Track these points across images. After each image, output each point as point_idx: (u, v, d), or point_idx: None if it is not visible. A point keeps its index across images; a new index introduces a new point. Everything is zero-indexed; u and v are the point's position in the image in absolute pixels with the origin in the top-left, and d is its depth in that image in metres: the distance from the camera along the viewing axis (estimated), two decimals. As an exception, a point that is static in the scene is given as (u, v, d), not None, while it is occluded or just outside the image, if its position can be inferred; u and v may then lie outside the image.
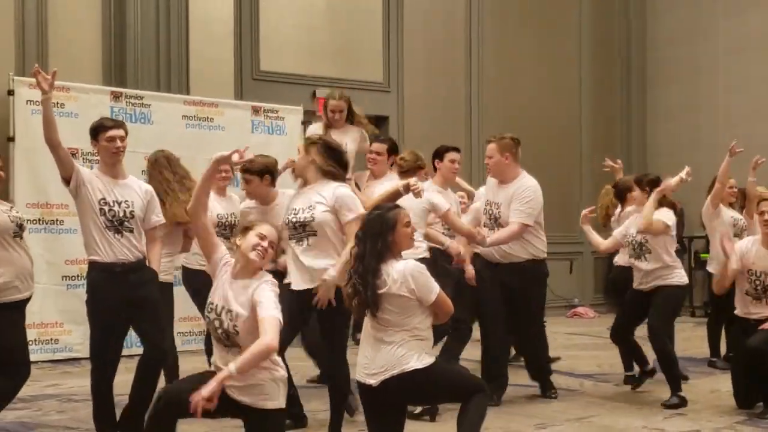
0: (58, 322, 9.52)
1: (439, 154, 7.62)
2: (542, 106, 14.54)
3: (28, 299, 5.74)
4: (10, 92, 9.25)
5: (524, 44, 14.43)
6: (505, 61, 14.26)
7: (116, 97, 9.85)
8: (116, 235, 5.77)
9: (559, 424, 6.63)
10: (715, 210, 8.73)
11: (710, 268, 9.04)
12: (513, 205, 7.08)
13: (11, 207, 5.84)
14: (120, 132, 5.86)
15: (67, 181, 5.78)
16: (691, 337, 10.76)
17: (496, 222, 7.21)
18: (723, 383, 7.87)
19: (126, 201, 5.85)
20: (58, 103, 9.40)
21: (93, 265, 5.84)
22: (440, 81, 13.66)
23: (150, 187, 6.14)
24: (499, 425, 6.49)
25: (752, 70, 14.26)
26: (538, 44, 14.61)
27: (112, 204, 5.80)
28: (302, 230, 5.67)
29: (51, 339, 9.49)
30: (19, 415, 6.89)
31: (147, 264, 5.97)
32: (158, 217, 6.02)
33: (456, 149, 7.68)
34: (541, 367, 7.72)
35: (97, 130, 5.91)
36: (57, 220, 9.45)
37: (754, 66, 14.25)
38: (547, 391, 7.65)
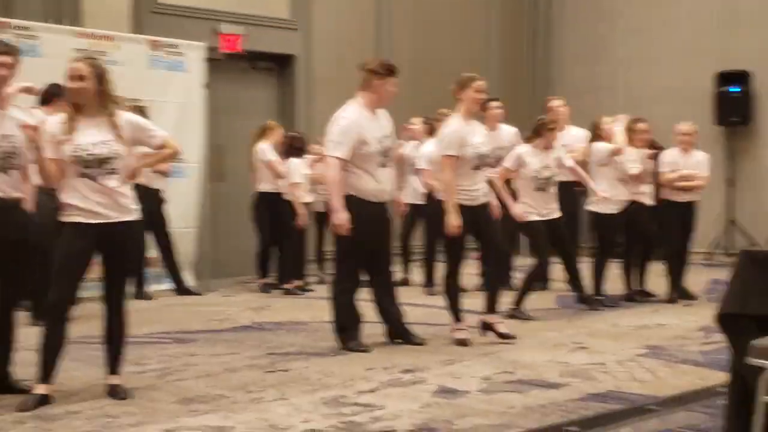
0: None
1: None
2: (451, 46, 14.23)
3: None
4: None
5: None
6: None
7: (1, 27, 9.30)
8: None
9: (467, 360, 6.59)
10: None
11: None
12: None
13: (105, 140, 5.39)
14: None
15: None
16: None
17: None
18: (622, 318, 8.34)
19: (4, 135, 5.47)
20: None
21: None
22: (350, 18, 13.28)
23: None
24: (409, 362, 6.44)
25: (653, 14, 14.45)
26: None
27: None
28: None
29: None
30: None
31: None
32: None
33: None
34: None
35: None
36: None
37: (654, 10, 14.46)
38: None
